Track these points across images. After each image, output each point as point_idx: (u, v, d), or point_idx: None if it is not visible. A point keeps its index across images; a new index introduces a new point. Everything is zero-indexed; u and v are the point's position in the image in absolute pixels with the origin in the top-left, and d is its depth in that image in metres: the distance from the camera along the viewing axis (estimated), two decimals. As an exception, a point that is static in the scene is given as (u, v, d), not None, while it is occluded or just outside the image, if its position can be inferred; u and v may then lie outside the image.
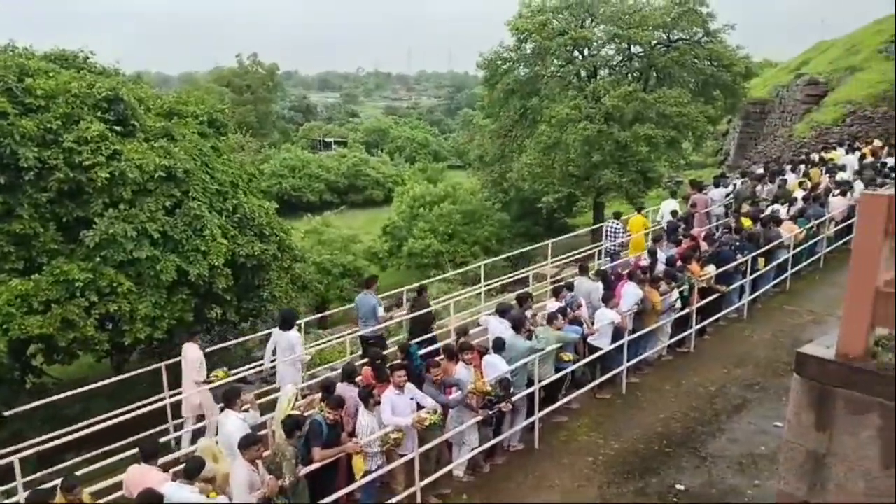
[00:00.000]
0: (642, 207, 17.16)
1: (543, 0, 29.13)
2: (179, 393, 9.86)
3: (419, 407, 7.48)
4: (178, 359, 9.89)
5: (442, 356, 8.54)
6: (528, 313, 9.85)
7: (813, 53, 42.71)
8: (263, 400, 9.28)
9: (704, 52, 27.73)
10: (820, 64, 37.21)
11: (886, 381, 3.84)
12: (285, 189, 50.25)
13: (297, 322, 10.86)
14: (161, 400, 9.90)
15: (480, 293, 15.33)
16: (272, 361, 10.06)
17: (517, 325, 9.02)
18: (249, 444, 6.41)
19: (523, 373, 8.63)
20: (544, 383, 8.82)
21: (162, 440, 9.03)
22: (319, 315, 18.25)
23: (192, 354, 9.71)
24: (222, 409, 7.69)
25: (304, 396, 8.08)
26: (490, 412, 7.96)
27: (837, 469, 4.04)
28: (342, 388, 7.71)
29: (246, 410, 7.64)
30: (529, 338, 8.90)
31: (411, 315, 11.95)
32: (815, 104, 31.49)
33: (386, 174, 56.68)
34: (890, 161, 20.37)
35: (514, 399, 8.19)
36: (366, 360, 9.47)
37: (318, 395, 7.69)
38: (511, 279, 16.57)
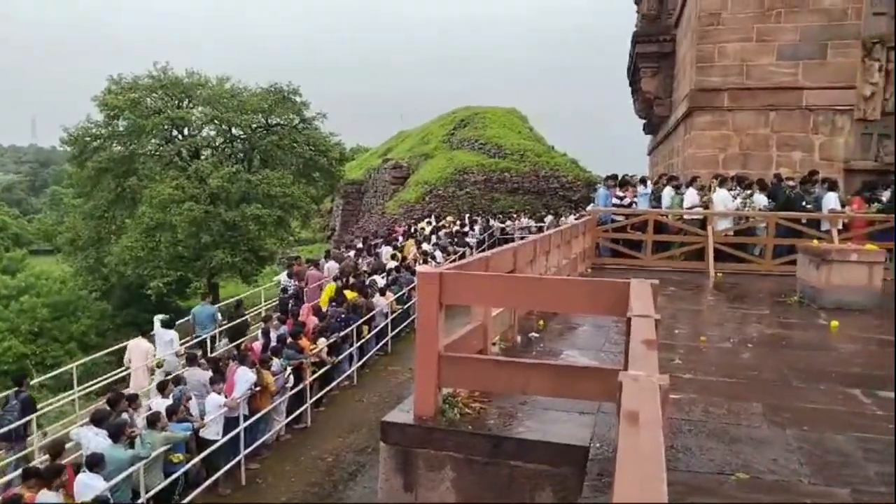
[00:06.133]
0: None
1: (135, 77, 27.73)
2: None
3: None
4: None
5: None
6: (136, 416, 8.87)
7: (395, 142, 49.32)
8: None
9: (303, 137, 29.59)
10: (401, 150, 43.11)
11: (454, 436, 4.40)
12: None
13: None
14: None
15: (74, 399, 13.24)
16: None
17: (116, 434, 8.00)
18: None
19: (127, 487, 7.67)
20: (152, 493, 7.96)
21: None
22: None
23: (144, 346, 12.24)
24: None
25: None
26: (84, 543, 6.82)
27: (424, 526, 4.45)
28: None
29: None
30: (132, 445, 7.98)
31: (233, 323, 14.42)
32: (400, 185, 36.22)
33: (-58, 266, 46.13)
34: (461, 230, 24.49)
35: (115, 520, 7.19)
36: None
37: None
38: (116, 377, 14.72)
